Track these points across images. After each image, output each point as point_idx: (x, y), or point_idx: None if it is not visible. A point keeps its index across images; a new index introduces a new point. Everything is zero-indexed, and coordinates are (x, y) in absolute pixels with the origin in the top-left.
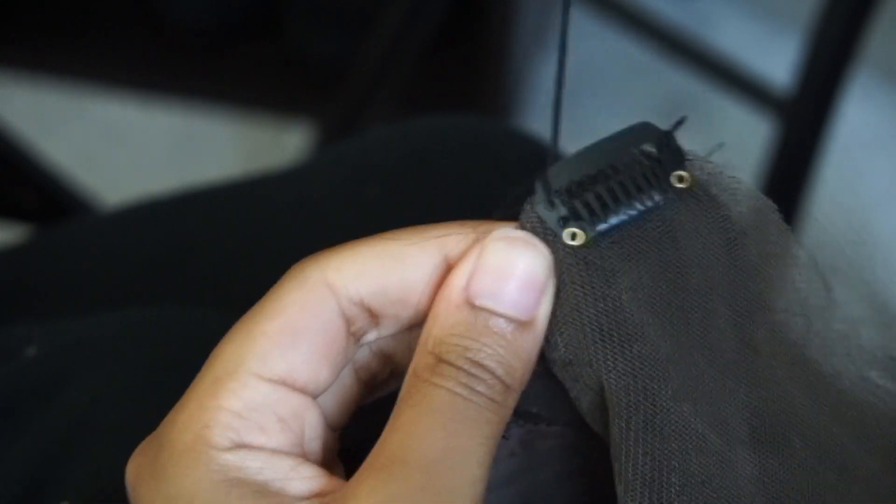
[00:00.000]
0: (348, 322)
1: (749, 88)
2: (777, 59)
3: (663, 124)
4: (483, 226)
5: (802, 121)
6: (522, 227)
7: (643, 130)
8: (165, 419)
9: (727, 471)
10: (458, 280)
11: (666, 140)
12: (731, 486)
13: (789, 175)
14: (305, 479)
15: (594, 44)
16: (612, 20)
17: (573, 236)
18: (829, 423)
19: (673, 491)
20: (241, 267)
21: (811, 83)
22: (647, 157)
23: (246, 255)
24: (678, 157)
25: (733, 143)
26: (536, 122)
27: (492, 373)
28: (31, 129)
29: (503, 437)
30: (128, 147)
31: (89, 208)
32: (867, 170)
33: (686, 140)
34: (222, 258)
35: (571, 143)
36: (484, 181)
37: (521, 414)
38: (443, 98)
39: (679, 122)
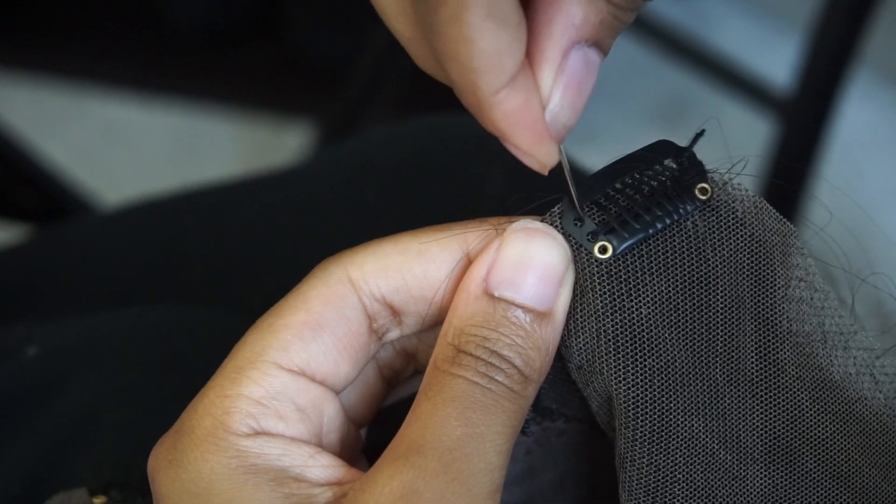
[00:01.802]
0: (371, 318)
1: (749, 88)
2: (777, 59)
3: (664, 125)
4: (504, 221)
5: (802, 121)
6: (543, 221)
7: (663, 146)
8: (187, 408)
9: (736, 486)
10: (477, 271)
11: (686, 155)
12: (738, 501)
13: (789, 175)
14: (324, 467)
15: None
16: None
17: (603, 249)
18: (850, 448)
19: (676, 502)
20: (241, 267)
21: (811, 83)
22: (669, 172)
23: (245, 255)
24: (700, 171)
25: (733, 143)
26: None
27: (510, 363)
28: (31, 129)
29: (523, 433)
30: (128, 147)
31: (89, 208)
32: (867, 170)
33: (686, 140)
34: (222, 258)
35: (572, 143)
36: (483, 181)
37: (539, 410)
38: (443, 98)
39: (697, 137)
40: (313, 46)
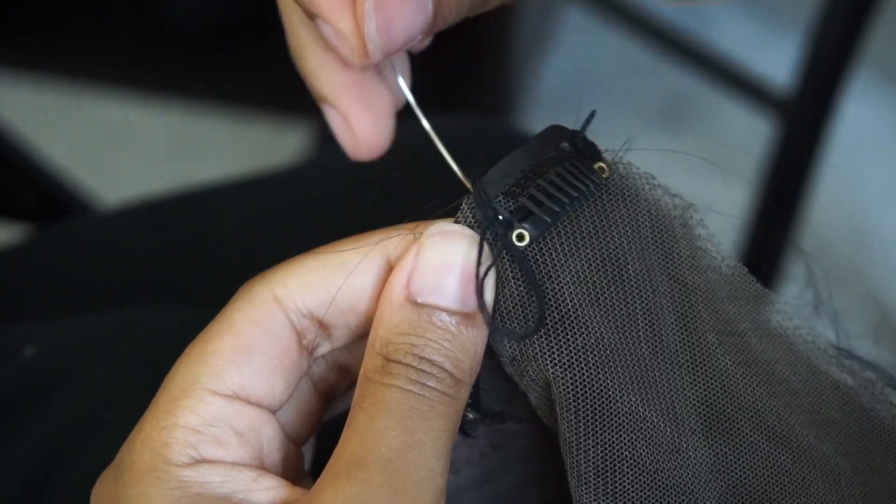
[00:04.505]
0: (300, 335)
1: (749, 88)
2: (777, 59)
3: (664, 124)
4: (421, 226)
5: (802, 121)
6: (457, 222)
7: (556, 131)
8: (125, 443)
9: (680, 460)
10: (398, 280)
11: (580, 136)
12: (685, 474)
13: (789, 175)
14: (267, 489)
15: (594, 44)
16: (612, 20)
17: (520, 237)
18: (780, 409)
19: (626, 480)
20: (241, 266)
21: (811, 83)
22: (566, 155)
23: (245, 255)
24: (594, 151)
25: (733, 143)
26: (536, 122)
27: (440, 367)
28: (31, 129)
29: (469, 435)
30: (128, 147)
31: (89, 208)
32: (867, 170)
33: (686, 139)
34: (222, 258)
35: None
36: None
37: (486, 413)
38: (443, 98)
39: (589, 119)
40: None
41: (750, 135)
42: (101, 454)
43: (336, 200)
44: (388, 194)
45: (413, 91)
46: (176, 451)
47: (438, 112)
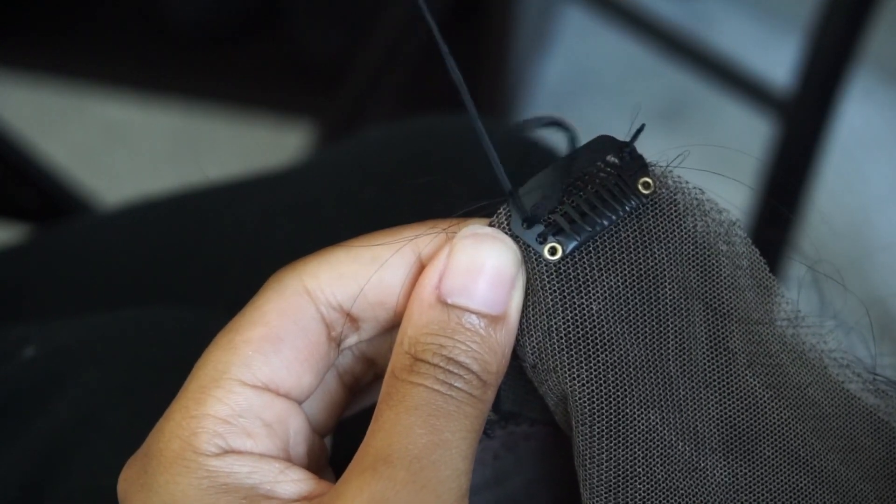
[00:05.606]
0: (328, 327)
1: (749, 88)
2: (777, 59)
3: (663, 125)
4: (454, 224)
5: (802, 121)
6: (491, 225)
7: (604, 143)
8: (153, 430)
9: (697, 479)
10: (429, 279)
11: (627, 150)
12: (700, 493)
13: (789, 175)
14: (294, 481)
15: (594, 44)
16: (612, 20)
17: (553, 251)
18: (806, 433)
19: (638, 497)
20: (240, 267)
21: (811, 83)
22: (611, 168)
23: (245, 255)
24: (641, 165)
25: (733, 143)
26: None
27: (468, 368)
28: (31, 129)
29: (487, 435)
30: (128, 147)
31: (89, 208)
32: (867, 170)
33: (686, 139)
34: (221, 258)
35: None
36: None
37: (503, 415)
38: (443, 98)
39: (638, 132)
40: (313, 45)
41: (750, 135)
42: (101, 454)
43: (336, 200)
44: (386, 195)
45: (413, 91)
46: (204, 440)
47: (438, 112)
